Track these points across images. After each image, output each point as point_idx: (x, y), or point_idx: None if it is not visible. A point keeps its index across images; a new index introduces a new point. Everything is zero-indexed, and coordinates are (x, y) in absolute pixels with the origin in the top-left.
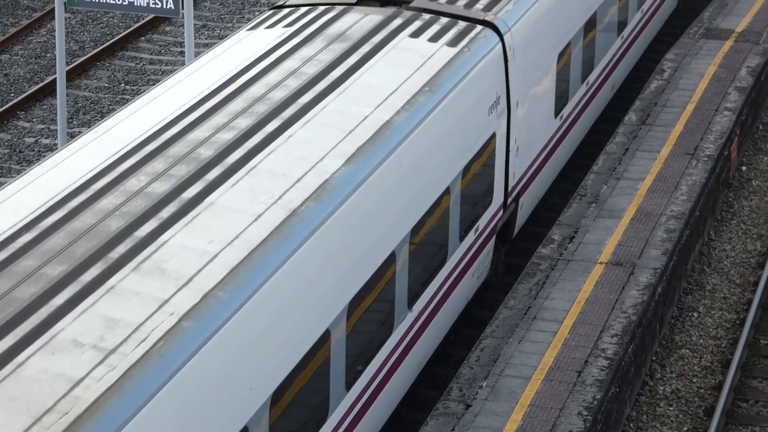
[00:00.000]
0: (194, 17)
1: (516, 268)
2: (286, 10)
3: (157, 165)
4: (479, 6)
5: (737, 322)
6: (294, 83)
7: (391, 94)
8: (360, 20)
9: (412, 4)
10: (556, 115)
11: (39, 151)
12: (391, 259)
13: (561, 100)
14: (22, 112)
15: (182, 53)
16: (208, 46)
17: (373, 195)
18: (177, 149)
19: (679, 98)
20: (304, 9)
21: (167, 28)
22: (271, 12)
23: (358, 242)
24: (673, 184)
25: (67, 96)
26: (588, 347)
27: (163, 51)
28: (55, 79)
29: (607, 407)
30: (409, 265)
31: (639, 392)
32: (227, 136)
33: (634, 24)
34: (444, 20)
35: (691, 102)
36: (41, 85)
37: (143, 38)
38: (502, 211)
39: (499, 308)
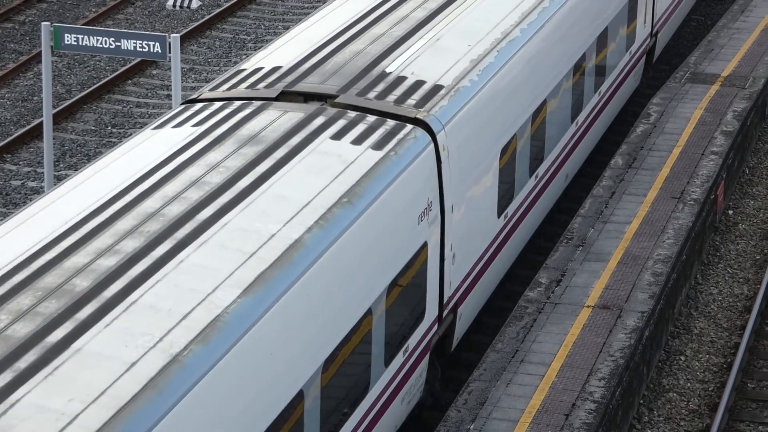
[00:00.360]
0: (181, 61)
1: (503, 311)
2: (198, 106)
3: (24, 301)
4: (411, 101)
5: (724, 365)
6: (194, 195)
7: (304, 207)
8: (278, 119)
9: (337, 100)
10: (499, 215)
11: (25, 194)
12: (298, 401)
13: (505, 198)
14: (9, 155)
15: (169, 96)
16: (194, 89)
17: (273, 330)
18: (48, 281)
19: (666, 142)
20: (218, 104)
21: (154, 72)
22: (182, 107)
23: (253, 389)
24: (660, 228)
25: (53, 139)
26: (575, 390)
27: (149, 94)
28: (41, 122)
29: None
30: (321, 406)
31: None
32: (107, 263)
33: (591, 107)
34: (371, 119)
35: (678, 146)
36: (28, 128)
37: (130, 81)
38: (437, 325)
39: (487, 351)
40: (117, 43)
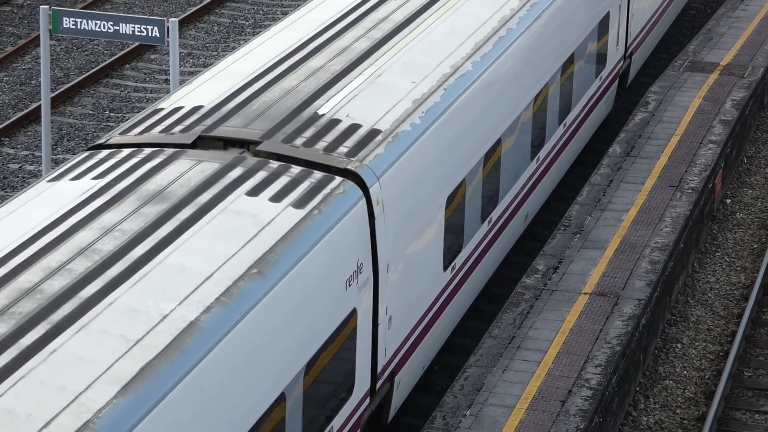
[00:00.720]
0: (179, 45)
1: (500, 297)
2: (104, 153)
3: None
4: (343, 149)
5: (721, 353)
6: (80, 267)
7: (206, 280)
8: (190, 170)
9: (260, 147)
10: (446, 267)
11: (23, 177)
12: None
13: (453, 249)
14: (7, 139)
15: (167, 81)
16: (192, 74)
17: None
18: None
19: (664, 131)
20: (126, 152)
21: (152, 56)
22: (85, 155)
23: None
24: (658, 216)
25: (51, 123)
26: (572, 377)
27: (147, 78)
28: (39, 105)
29: None
30: None
31: (622, 423)
32: None
33: (555, 141)
34: (295, 170)
35: (676, 134)
36: (26, 111)
37: (128, 66)
38: (368, 399)
39: (483, 337)
40: (115, 27)
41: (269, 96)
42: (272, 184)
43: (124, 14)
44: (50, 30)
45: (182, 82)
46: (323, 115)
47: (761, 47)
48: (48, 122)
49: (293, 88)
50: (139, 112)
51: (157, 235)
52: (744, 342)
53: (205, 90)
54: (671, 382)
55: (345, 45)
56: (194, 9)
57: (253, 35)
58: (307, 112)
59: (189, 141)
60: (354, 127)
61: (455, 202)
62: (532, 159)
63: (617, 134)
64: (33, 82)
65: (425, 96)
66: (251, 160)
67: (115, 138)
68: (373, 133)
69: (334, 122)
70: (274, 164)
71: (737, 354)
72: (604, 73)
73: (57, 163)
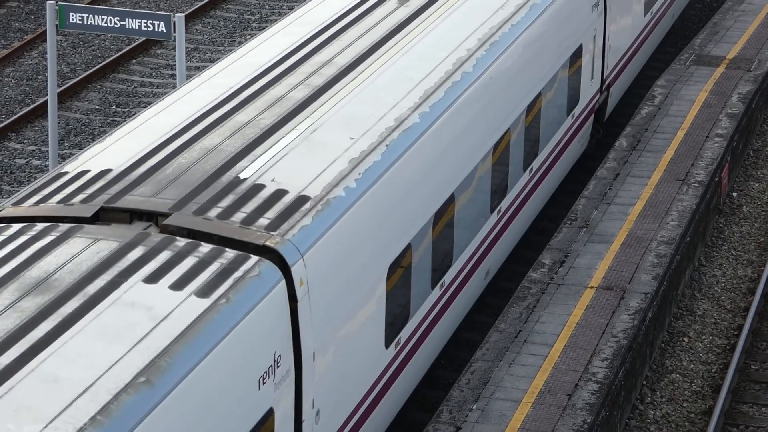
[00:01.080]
0: (186, 40)
1: (506, 291)
2: None
3: None
4: (263, 221)
5: (728, 347)
6: None
7: (81, 394)
8: (84, 251)
9: (168, 220)
10: (388, 344)
11: (30, 172)
12: None
13: (397, 323)
14: (14, 134)
15: (173, 76)
16: (199, 69)
17: None
18: None
19: (670, 124)
20: (14, 228)
21: (158, 51)
22: None
23: None
24: (664, 210)
25: (58, 118)
26: (578, 371)
27: (154, 74)
28: (46, 100)
29: (598, 431)
30: None
31: (629, 416)
32: None
33: (519, 189)
34: (205, 249)
35: (682, 128)
36: (33, 106)
37: (134, 61)
38: None
39: (490, 331)
40: (122, 23)
41: (187, 157)
42: (176, 268)
43: (131, 9)
44: (57, 25)
45: (189, 77)
46: (245, 179)
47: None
48: (55, 117)
49: (215, 147)
50: (145, 106)
51: (31, 337)
52: (751, 335)
53: (117, 150)
54: (678, 375)
55: (280, 94)
56: (200, 4)
57: (260, 30)
58: (227, 177)
59: (89, 213)
60: (279, 194)
61: (399, 270)
62: (492, 211)
63: (623, 128)
64: (40, 77)
65: (364, 154)
66: (155, 238)
67: (7, 209)
68: (301, 200)
69: (257, 188)
70: (181, 242)
71: (744, 347)
72: (577, 110)
73: (63, 158)
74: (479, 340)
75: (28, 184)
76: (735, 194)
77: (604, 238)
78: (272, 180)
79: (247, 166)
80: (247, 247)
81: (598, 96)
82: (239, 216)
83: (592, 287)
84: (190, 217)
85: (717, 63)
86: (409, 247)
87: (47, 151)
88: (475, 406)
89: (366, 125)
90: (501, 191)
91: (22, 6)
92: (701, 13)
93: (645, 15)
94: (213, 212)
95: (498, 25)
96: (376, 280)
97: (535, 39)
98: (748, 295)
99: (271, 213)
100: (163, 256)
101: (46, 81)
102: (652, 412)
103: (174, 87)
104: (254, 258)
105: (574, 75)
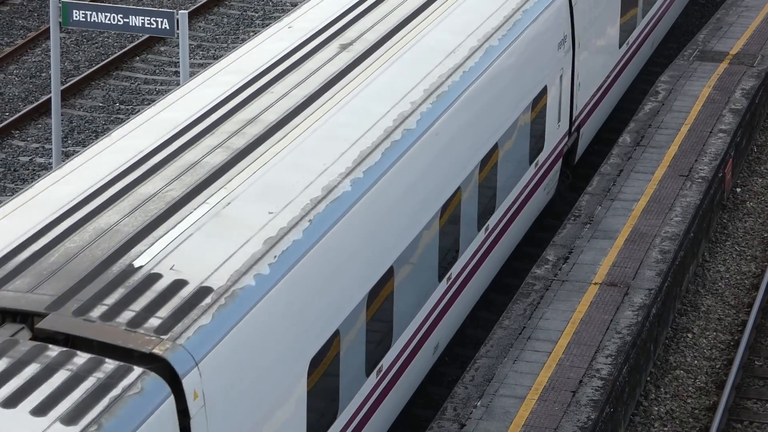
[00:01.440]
0: (189, 37)
1: (510, 288)
2: None
3: None
4: (153, 322)
5: (732, 343)
6: None
7: None
8: None
9: (43, 323)
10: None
11: (33, 170)
12: None
13: (323, 422)
14: (17, 131)
15: (177, 73)
16: (202, 66)
17: None
18: None
19: (674, 120)
20: None
21: (162, 48)
22: None
23: None
24: (668, 206)
25: (61, 115)
26: (582, 367)
27: (157, 71)
28: (50, 98)
29: (602, 427)
30: None
31: (633, 413)
32: None
33: (473, 252)
34: (81, 360)
35: (686, 124)
36: (36, 104)
37: (138, 58)
38: None
39: (494, 328)
40: (125, 20)
41: (77, 240)
42: (44, 384)
43: (134, 6)
44: (60, 22)
45: (192, 75)
46: (140, 268)
47: None
48: (58, 115)
49: (111, 228)
50: (149, 104)
51: None
52: (755, 331)
53: (1, 229)
54: (682, 371)
55: (194, 159)
56: (204, 1)
57: (263, 27)
58: (119, 265)
59: None
60: (177, 286)
61: (325, 363)
62: (441, 279)
63: (627, 124)
64: (43, 74)
65: (282, 232)
66: (24, 346)
67: None
68: (201, 293)
69: (152, 279)
70: (54, 351)
71: (748, 343)
72: (541, 157)
73: (67, 155)
74: (483, 337)
75: (32, 181)
76: (738, 190)
77: (608, 234)
78: (171, 268)
79: (144, 251)
80: (130, 356)
81: (566, 139)
82: (126, 316)
83: (596, 283)
84: (68, 318)
85: (720, 59)
86: (336, 334)
87: (51, 149)
88: (479, 403)
89: (288, 196)
90: (451, 257)
91: (25, 3)
92: (704, 8)
93: (620, 47)
94: (96, 311)
95: (447, 73)
96: (293, 380)
97: (490, 86)
98: (752, 290)
99: (164, 311)
100: (30, 369)
101: (50, 78)
102: (656, 408)
103: (177, 84)
104: (137, 370)
105: (537, 120)
